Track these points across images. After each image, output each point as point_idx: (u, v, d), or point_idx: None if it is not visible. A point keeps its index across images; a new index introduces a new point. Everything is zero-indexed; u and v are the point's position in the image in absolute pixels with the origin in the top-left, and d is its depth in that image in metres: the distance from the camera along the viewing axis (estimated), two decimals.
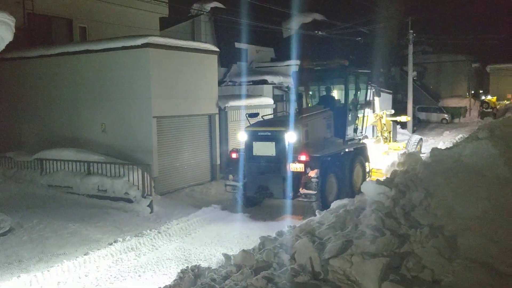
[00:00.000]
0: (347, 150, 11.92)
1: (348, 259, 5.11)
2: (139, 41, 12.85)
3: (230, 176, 11.40)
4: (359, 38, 24.96)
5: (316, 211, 8.82)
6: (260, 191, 10.96)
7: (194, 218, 10.54)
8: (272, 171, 10.73)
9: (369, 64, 26.76)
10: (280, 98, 20.07)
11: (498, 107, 40.13)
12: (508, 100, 45.84)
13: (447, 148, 9.54)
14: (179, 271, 5.91)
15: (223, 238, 9.18)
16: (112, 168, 12.17)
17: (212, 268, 6.07)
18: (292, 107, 12.31)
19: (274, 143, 10.67)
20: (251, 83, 19.31)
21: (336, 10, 29.85)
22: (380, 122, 15.58)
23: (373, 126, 16.24)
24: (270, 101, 17.98)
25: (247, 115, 11.94)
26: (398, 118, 18.22)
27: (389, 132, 16.13)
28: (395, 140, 17.37)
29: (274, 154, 10.68)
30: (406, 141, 17.15)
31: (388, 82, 35.92)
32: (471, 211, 6.33)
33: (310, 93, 14.00)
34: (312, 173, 10.26)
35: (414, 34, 28.19)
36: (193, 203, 12.25)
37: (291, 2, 23.87)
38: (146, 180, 11.60)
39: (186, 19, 22.28)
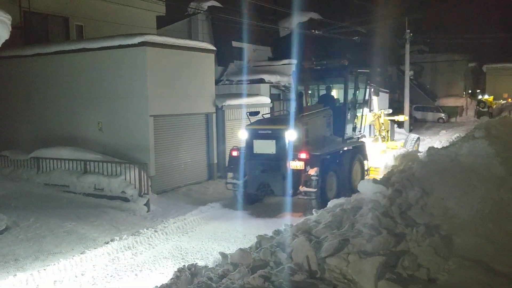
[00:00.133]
0: (346, 148, 12.03)
1: (344, 258, 5.12)
2: (136, 40, 12.83)
3: (229, 174, 11.43)
4: (356, 38, 24.97)
5: (313, 210, 8.85)
6: (261, 188, 11.07)
7: (191, 217, 10.54)
8: (272, 169, 10.80)
9: (366, 63, 26.77)
10: (277, 97, 20.10)
11: (494, 106, 40.27)
12: (504, 99, 46.00)
13: (443, 147, 9.57)
14: (175, 269, 5.89)
15: (220, 237, 9.18)
16: (108, 167, 12.16)
17: (209, 266, 6.06)
18: (292, 106, 12.35)
19: (274, 141, 10.75)
20: (248, 82, 19.32)
21: (333, 10, 29.82)
22: (378, 121, 15.65)
23: (370, 125, 16.32)
24: (267, 100, 17.99)
25: (247, 114, 12.00)
26: (396, 118, 18.30)
27: (387, 131, 16.21)
28: (392, 139, 17.43)
29: (274, 152, 10.75)
30: (404, 140, 17.21)
31: (385, 81, 35.94)
32: (467, 210, 6.36)
33: (310, 92, 14.06)
34: (312, 171, 10.34)
35: (411, 34, 28.24)
36: (190, 202, 12.24)
37: (288, 1, 23.85)
38: (143, 179, 11.60)
39: (183, 17, 22.29)
